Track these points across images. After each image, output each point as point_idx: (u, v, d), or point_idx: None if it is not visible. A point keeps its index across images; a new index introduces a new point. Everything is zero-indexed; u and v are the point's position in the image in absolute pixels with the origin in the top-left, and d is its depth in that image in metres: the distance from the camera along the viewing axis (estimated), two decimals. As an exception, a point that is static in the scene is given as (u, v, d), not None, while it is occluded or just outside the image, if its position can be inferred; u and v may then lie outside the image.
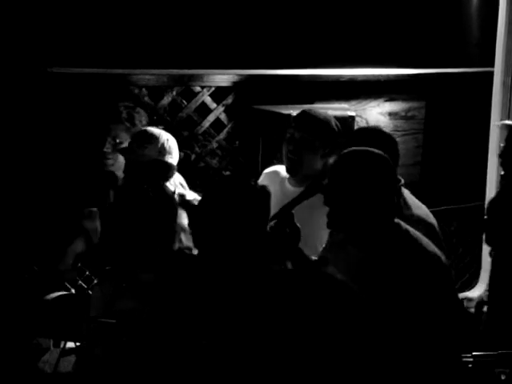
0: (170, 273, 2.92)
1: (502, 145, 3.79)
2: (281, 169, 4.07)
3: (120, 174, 4.27)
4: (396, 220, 2.97)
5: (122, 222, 2.94)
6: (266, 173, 4.14)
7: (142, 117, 4.43)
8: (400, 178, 3.52)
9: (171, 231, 2.99)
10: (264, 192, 2.90)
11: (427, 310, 2.78)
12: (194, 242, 2.83)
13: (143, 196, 2.95)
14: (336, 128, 3.90)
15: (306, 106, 4.86)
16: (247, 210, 2.74)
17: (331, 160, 3.65)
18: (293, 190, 3.81)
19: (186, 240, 3.62)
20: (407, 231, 2.96)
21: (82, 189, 4.23)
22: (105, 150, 4.34)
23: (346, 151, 3.00)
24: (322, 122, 3.87)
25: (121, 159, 4.29)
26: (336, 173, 2.97)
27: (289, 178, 3.97)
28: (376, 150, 2.97)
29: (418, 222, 3.45)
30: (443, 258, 2.95)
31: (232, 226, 2.72)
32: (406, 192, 3.60)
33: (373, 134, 3.63)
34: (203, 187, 2.92)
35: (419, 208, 3.56)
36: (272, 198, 3.88)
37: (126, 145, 4.27)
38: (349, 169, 2.93)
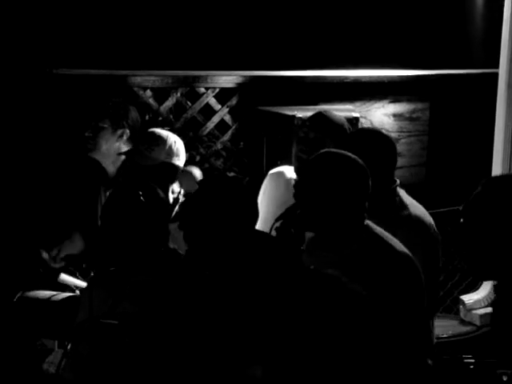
0: (162, 273, 2.94)
1: None
2: (286, 170, 4.08)
3: (106, 165, 4.27)
4: (366, 222, 3.00)
5: (114, 225, 2.96)
6: (272, 174, 4.15)
7: (129, 110, 4.41)
8: (396, 179, 3.56)
9: (163, 233, 3.00)
10: (250, 189, 2.94)
11: (395, 308, 2.80)
12: (184, 239, 2.85)
13: (134, 199, 2.97)
14: (348, 131, 3.93)
15: (311, 108, 4.87)
16: (233, 207, 2.77)
17: None
18: None
19: None
20: (375, 233, 2.99)
21: (80, 187, 4.23)
22: (86, 134, 4.34)
23: (318, 153, 3.06)
24: (337, 124, 3.90)
25: (104, 148, 4.29)
26: (306, 174, 3.03)
27: (295, 179, 3.98)
28: (349, 154, 3.02)
29: (417, 222, 3.47)
30: (412, 257, 2.97)
31: (218, 223, 2.75)
32: (401, 192, 3.62)
33: (372, 135, 3.65)
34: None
35: (416, 207, 3.56)
36: (278, 198, 3.91)
37: (108, 130, 4.28)
38: (318, 171, 2.98)
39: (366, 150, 3.20)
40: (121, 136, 4.32)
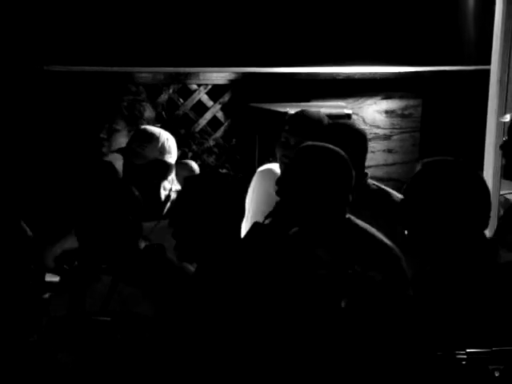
0: (151, 270, 2.95)
1: (504, 138, 3.79)
2: (275, 166, 4.08)
3: (119, 165, 4.26)
4: (347, 215, 3.01)
5: (88, 219, 2.97)
6: (260, 171, 4.15)
7: (142, 108, 4.42)
8: (366, 171, 3.60)
9: (136, 229, 3.01)
10: (237, 185, 2.95)
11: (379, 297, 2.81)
12: (173, 235, 2.85)
13: (109, 193, 2.98)
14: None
15: (303, 104, 4.87)
16: (220, 201, 2.78)
17: None
18: None
19: None
20: (357, 224, 3.01)
21: (79, 186, 4.21)
22: (101, 135, 4.33)
23: (302, 146, 3.07)
24: (316, 123, 3.89)
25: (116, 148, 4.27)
26: (290, 166, 3.03)
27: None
28: (332, 147, 3.02)
29: None
30: (395, 248, 2.98)
31: (205, 218, 2.77)
32: (376, 183, 3.65)
33: (342, 128, 3.65)
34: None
35: (396, 193, 3.60)
36: (267, 195, 3.90)
37: (122, 132, 4.28)
38: (303, 163, 2.99)
39: (336, 142, 3.18)
40: None
